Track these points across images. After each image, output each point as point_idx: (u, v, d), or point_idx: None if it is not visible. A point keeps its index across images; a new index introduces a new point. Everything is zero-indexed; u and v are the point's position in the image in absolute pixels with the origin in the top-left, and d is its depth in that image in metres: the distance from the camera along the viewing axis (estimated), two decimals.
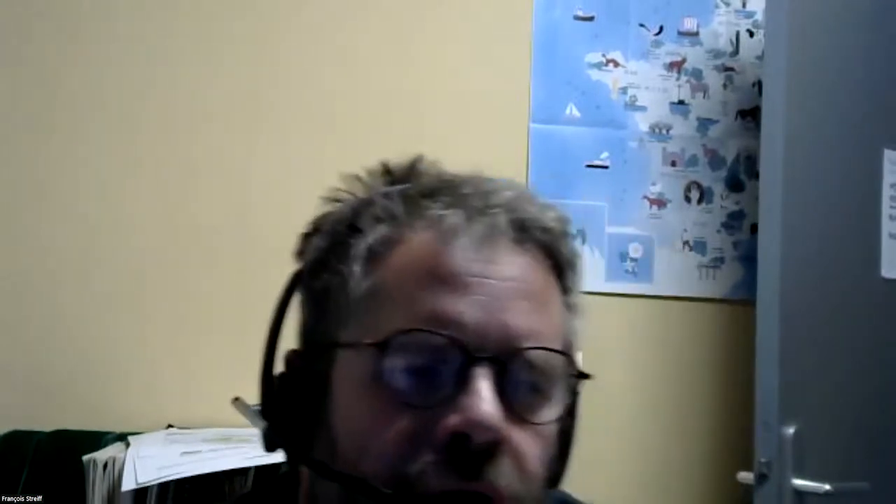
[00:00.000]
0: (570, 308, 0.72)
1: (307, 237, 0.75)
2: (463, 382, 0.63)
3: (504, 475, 0.63)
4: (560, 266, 0.71)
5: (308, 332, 0.73)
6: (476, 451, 0.62)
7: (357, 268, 0.69)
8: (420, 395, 0.64)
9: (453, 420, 0.62)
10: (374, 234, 0.69)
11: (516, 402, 0.64)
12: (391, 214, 0.70)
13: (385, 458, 0.63)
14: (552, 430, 0.68)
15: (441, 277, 0.65)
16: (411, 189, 0.71)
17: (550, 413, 0.67)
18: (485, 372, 0.63)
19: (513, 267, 0.67)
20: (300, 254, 0.75)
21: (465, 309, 0.64)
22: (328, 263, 0.71)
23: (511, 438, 0.64)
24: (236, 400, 0.72)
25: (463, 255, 0.66)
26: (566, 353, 0.68)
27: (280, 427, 0.71)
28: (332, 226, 0.72)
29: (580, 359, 0.71)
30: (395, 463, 0.63)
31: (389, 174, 0.75)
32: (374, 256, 0.69)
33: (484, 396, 0.62)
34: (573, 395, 0.69)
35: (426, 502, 0.62)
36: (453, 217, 0.67)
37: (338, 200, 0.75)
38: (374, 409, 0.64)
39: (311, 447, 0.69)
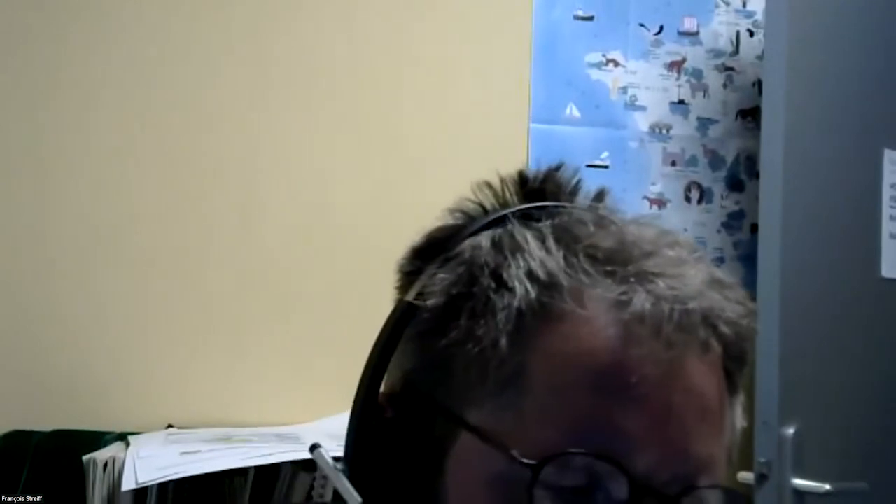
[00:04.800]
0: (738, 410, 0.61)
1: (422, 255, 0.61)
2: None
3: None
4: (738, 361, 0.59)
5: (414, 381, 0.59)
6: None
7: (503, 340, 0.55)
8: None
9: None
10: (525, 295, 0.55)
11: None
12: (549, 275, 0.55)
13: None
14: None
15: (617, 384, 0.53)
16: (573, 240, 0.57)
17: None
18: None
19: (698, 377, 0.55)
20: (409, 274, 0.61)
21: (643, 429, 0.53)
22: (459, 317, 0.56)
23: None
24: (314, 449, 0.58)
25: (649, 358, 0.53)
26: (742, 494, 0.59)
27: (373, 495, 0.57)
28: (468, 265, 0.58)
29: None
30: None
31: (525, 185, 0.63)
32: (522, 329, 0.55)
33: None
34: None
35: None
36: (639, 304, 0.53)
37: (466, 213, 0.62)
38: None
39: None
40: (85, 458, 1.48)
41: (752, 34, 2.07)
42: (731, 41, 2.07)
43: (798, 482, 1.58)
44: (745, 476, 1.65)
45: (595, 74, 2.00)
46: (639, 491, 0.52)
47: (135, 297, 1.78)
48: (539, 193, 0.62)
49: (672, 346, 0.53)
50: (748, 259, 1.98)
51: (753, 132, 1.98)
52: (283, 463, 1.47)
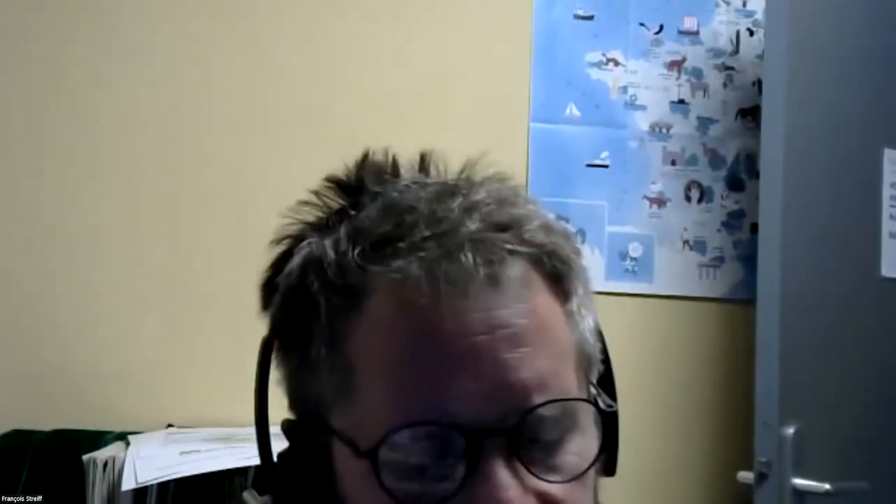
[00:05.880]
0: (576, 314, 0.62)
1: (265, 289, 0.67)
2: (473, 467, 0.55)
3: None
4: (554, 273, 0.60)
5: (298, 399, 0.64)
6: None
7: (322, 350, 0.60)
8: (429, 493, 0.55)
9: None
10: (329, 306, 0.59)
11: (538, 465, 0.56)
12: (343, 277, 0.59)
13: None
14: (588, 473, 0.60)
15: (414, 350, 0.56)
16: (361, 235, 0.60)
17: (579, 463, 0.59)
18: (494, 447, 0.55)
19: (498, 310, 0.57)
20: (265, 308, 0.67)
21: (452, 381, 0.55)
22: (291, 340, 0.63)
23: None
24: (244, 492, 0.65)
25: (433, 315, 0.56)
26: (582, 398, 0.60)
27: None
28: (284, 290, 0.63)
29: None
30: None
31: (342, 185, 0.66)
32: (336, 335, 0.59)
33: (498, 481, 0.54)
34: (602, 429, 0.60)
35: None
36: (413, 273, 0.56)
37: (290, 237, 0.66)
38: None
39: None
40: (85, 457, 1.48)
41: (752, 33, 2.07)
42: (731, 40, 2.07)
43: (798, 482, 1.58)
44: (745, 476, 1.65)
45: (595, 74, 2.00)
46: (475, 437, 0.55)
47: (135, 296, 1.78)
48: (358, 189, 0.65)
49: (454, 296, 0.56)
50: (748, 259, 1.98)
51: (753, 132, 1.98)
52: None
